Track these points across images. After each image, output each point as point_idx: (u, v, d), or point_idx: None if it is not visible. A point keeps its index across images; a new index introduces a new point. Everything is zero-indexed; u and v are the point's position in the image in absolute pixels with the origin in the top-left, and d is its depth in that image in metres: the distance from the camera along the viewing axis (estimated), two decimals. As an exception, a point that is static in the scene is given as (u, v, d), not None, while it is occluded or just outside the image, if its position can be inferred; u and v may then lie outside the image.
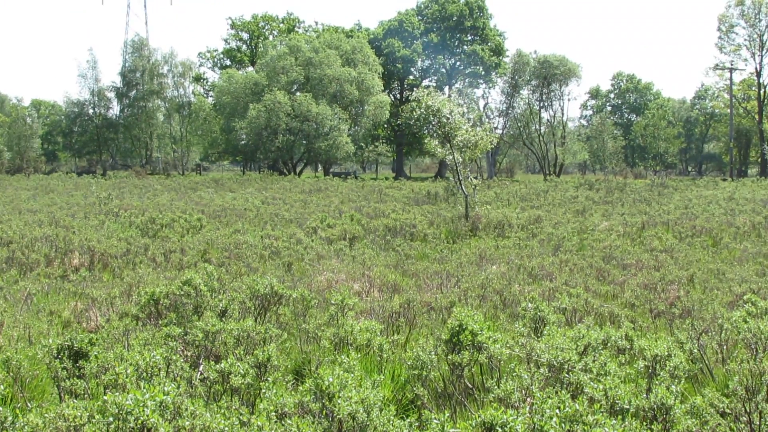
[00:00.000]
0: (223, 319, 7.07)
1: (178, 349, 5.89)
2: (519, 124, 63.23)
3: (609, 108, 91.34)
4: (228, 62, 77.31)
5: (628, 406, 4.63)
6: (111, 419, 3.76)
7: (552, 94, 61.07)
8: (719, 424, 4.81)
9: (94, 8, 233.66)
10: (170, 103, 67.24)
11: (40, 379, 6.06)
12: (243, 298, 7.76)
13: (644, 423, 4.55)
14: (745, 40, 62.30)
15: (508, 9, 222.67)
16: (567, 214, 22.72)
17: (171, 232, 16.86)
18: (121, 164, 65.99)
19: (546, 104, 61.95)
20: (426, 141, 23.19)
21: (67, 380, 5.23)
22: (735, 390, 4.95)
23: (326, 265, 12.10)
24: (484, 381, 5.82)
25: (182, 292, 7.32)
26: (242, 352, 5.83)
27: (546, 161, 60.69)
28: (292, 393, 4.84)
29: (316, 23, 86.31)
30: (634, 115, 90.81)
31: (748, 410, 4.82)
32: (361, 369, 6.02)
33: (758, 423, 4.77)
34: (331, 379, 4.45)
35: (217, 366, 5.22)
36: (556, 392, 4.37)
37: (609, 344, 6.10)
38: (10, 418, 4.18)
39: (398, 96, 73.87)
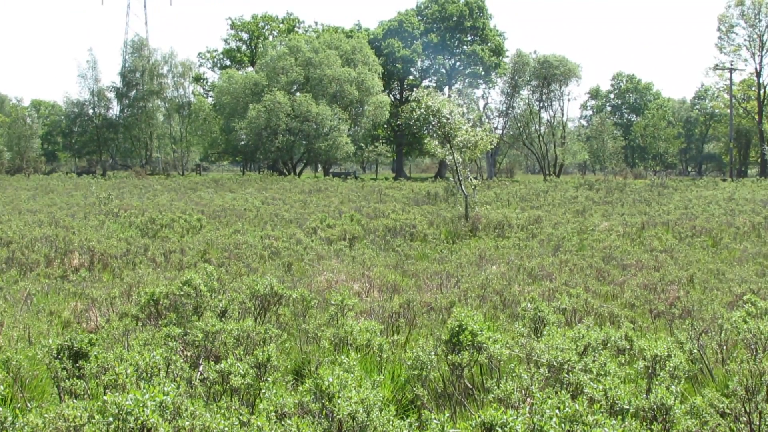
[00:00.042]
0: (223, 319, 7.07)
1: (178, 350, 5.89)
2: (519, 125, 63.23)
3: (609, 108, 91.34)
4: (228, 62, 77.32)
5: (627, 407, 4.64)
6: (111, 419, 3.76)
7: (552, 94, 61.06)
8: (719, 424, 4.81)
9: (94, 8, 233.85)
10: (170, 104, 67.24)
11: (40, 380, 6.06)
12: (243, 299, 7.76)
13: (644, 423, 4.56)
14: (745, 40, 62.34)
15: (508, 9, 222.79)
16: (567, 214, 22.72)
17: (171, 232, 16.86)
18: (121, 164, 66.00)
19: (546, 104, 61.96)
20: (426, 141, 23.19)
21: (67, 380, 5.23)
22: (735, 390, 4.95)
23: (326, 266, 12.10)
24: (484, 381, 5.82)
25: (182, 293, 7.32)
26: (242, 352, 5.83)
27: (546, 161, 60.70)
28: (292, 393, 4.84)
29: (316, 23, 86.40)
30: (634, 116, 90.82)
31: (747, 410, 4.82)
32: (361, 369, 6.02)
33: (758, 423, 4.78)
34: (330, 380, 4.45)
35: (217, 366, 5.22)
36: (556, 392, 4.38)
37: (609, 344, 6.10)
38: (10, 418, 4.18)
39: (398, 96, 73.88)
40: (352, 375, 4.68)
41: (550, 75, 59.40)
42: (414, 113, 22.47)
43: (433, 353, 5.96)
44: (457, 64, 72.95)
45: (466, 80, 72.86)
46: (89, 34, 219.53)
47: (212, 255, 13.28)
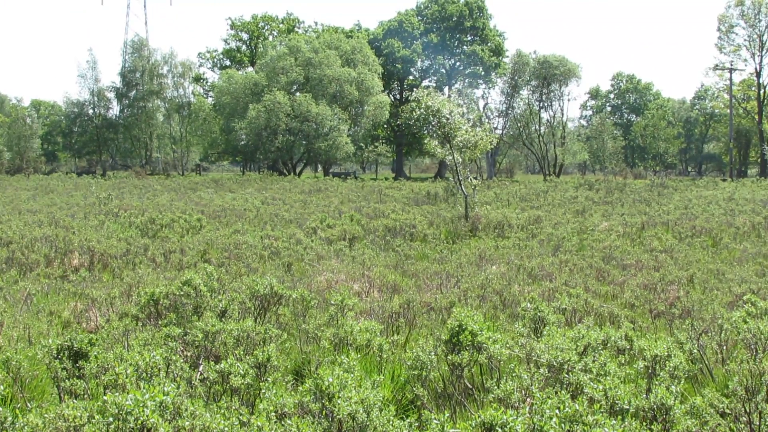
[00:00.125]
0: (223, 319, 7.07)
1: (178, 350, 5.89)
2: (519, 125, 63.22)
3: (609, 108, 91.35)
4: (228, 62, 77.34)
5: (627, 407, 4.64)
6: (111, 419, 3.76)
7: (552, 94, 61.06)
8: (719, 424, 4.81)
9: (94, 8, 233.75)
10: (170, 104, 67.25)
11: (39, 380, 6.06)
12: (243, 299, 7.76)
13: (644, 423, 4.56)
14: (745, 40, 62.35)
15: (507, 9, 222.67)
16: (567, 214, 22.72)
17: (171, 232, 16.86)
18: (120, 164, 66.00)
19: (546, 104, 61.95)
20: (426, 141, 23.19)
21: (66, 380, 5.23)
22: (735, 390, 4.95)
23: (326, 266, 12.10)
24: (484, 381, 5.82)
25: (182, 293, 7.32)
26: (242, 352, 5.83)
27: (546, 161, 60.69)
28: (292, 393, 4.84)
29: (316, 23, 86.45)
30: (634, 116, 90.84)
31: (747, 410, 4.82)
32: (361, 369, 6.02)
33: (758, 423, 4.78)
34: (330, 380, 4.45)
35: (217, 366, 5.22)
36: (556, 392, 4.38)
37: (609, 344, 6.10)
38: (10, 419, 4.18)
39: (398, 96, 73.89)
40: (352, 375, 4.68)
41: (550, 75, 59.39)
42: (414, 113, 22.47)
43: (433, 353, 5.96)
44: (457, 64, 72.97)
45: (466, 80, 72.87)
46: (89, 34, 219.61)
47: (212, 255, 13.28)
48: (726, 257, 14.04)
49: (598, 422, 4.00)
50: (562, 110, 63.37)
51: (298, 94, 55.65)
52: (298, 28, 78.11)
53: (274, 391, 4.60)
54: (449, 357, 5.79)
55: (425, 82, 73.71)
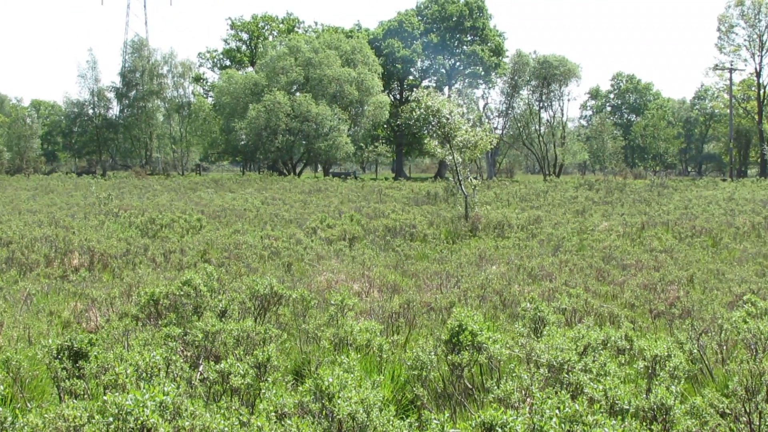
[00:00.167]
0: (223, 319, 7.07)
1: (178, 350, 5.89)
2: (519, 125, 63.22)
3: (609, 108, 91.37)
4: (228, 62, 77.34)
5: (627, 407, 4.64)
6: (111, 419, 3.76)
7: (552, 94, 61.05)
8: (719, 424, 4.81)
9: (94, 8, 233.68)
10: (170, 104, 67.24)
11: (39, 380, 6.06)
12: (243, 299, 7.76)
13: (644, 423, 4.56)
14: (745, 40, 62.35)
15: (507, 9, 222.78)
16: (567, 214, 22.72)
17: (171, 232, 16.86)
18: (120, 164, 65.99)
19: (546, 104, 61.95)
20: (426, 141, 23.19)
21: (66, 380, 5.23)
22: (735, 390, 4.95)
23: (326, 266, 12.10)
24: (484, 381, 5.82)
25: (182, 293, 7.32)
26: (242, 352, 5.83)
27: (546, 161, 60.69)
28: (292, 393, 4.84)
29: (316, 23, 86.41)
30: (634, 116, 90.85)
31: (747, 410, 4.82)
32: (361, 369, 6.02)
33: (758, 423, 4.78)
34: (330, 380, 4.45)
35: (217, 366, 5.22)
36: (556, 392, 4.38)
37: (609, 344, 6.10)
38: (9, 419, 4.18)
39: (398, 96, 73.89)
40: (352, 375, 4.68)
41: (549, 75, 59.39)
42: (414, 113, 22.46)
43: (433, 353, 5.96)
44: (457, 64, 72.97)
45: (466, 80, 72.87)
46: (89, 34, 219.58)
47: (212, 255, 13.28)
48: (726, 257, 14.04)
49: (598, 422, 4.00)
50: (562, 110, 63.41)
51: (298, 94, 55.65)
52: (298, 28, 78.11)
53: (274, 391, 4.60)
54: (449, 357, 5.79)
55: (425, 82, 73.73)
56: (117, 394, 3.94)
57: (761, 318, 6.98)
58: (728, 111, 66.66)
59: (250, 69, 70.27)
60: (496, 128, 63.57)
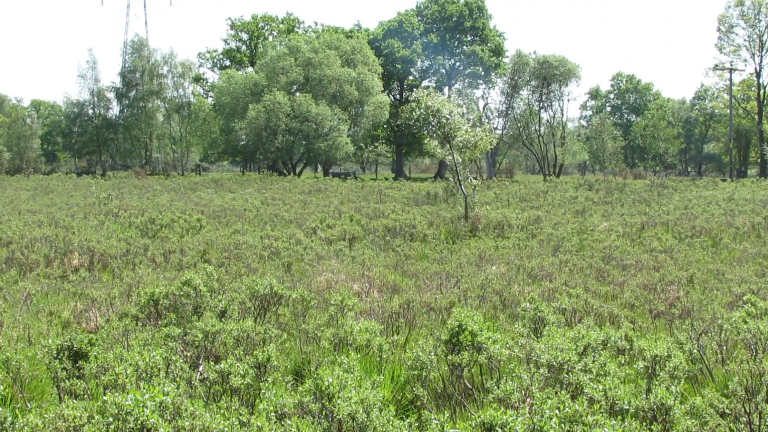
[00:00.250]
0: (223, 319, 7.07)
1: (178, 350, 5.89)
2: (518, 125, 63.24)
3: (608, 108, 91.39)
4: (227, 63, 77.34)
5: (627, 407, 4.64)
6: (111, 419, 3.76)
7: (551, 94, 61.08)
8: (719, 424, 4.81)
9: (94, 8, 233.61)
10: (170, 104, 67.24)
11: (39, 380, 6.05)
12: (243, 299, 7.76)
13: (644, 423, 4.56)
14: (745, 40, 62.37)
15: (507, 9, 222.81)
16: (566, 214, 22.72)
17: (170, 232, 16.86)
18: (120, 165, 65.98)
19: (545, 105, 61.98)
20: (426, 141, 23.19)
21: (66, 380, 5.23)
22: (735, 390, 4.95)
23: (326, 266, 12.10)
24: (484, 381, 5.82)
25: (182, 293, 7.32)
26: (242, 352, 5.83)
27: (545, 162, 60.71)
28: (292, 393, 4.84)
29: (316, 24, 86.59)
30: (634, 116, 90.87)
31: (747, 411, 4.82)
32: (361, 369, 6.02)
33: (758, 423, 4.78)
34: (330, 380, 4.45)
35: (217, 366, 5.22)
36: (556, 393, 4.38)
37: (609, 345, 6.10)
38: (9, 419, 4.18)
39: (398, 96, 73.90)
40: (351, 375, 4.68)
41: (549, 75, 59.40)
42: (414, 113, 22.47)
43: (432, 353, 5.96)
44: (457, 64, 72.97)
45: (466, 80, 72.88)
46: (89, 34, 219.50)
47: (212, 255, 13.27)
48: (726, 257, 14.04)
49: (598, 422, 4.00)
50: (561, 110, 63.47)
51: (298, 94, 55.66)
52: (298, 28, 78.11)
53: (274, 391, 4.60)
54: (449, 357, 5.79)
55: (425, 83, 73.74)
56: (117, 394, 3.94)
57: (761, 318, 6.98)
58: (728, 111, 66.67)
59: (250, 69, 70.27)
60: (496, 128, 63.60)
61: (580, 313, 8.39)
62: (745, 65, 79.41)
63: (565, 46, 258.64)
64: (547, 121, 62.83)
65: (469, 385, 5.81)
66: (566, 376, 5.00)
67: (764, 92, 63.37)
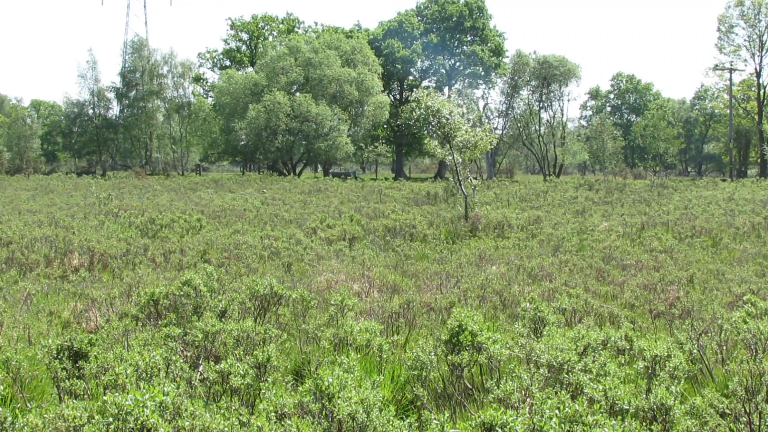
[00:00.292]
0: (223, 319, 7.07)
1: (178, 350, 5.89)
2: (519, 125, 63.25)
3: (609, 108, 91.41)
4: (227, 63, 77.35)
5: (627, 407, 4.64)
6: (111, 420, 3.76)
7: (552, 94, 61.09)
8: (719, 424, 4.81)
9: (93, 8, 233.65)
10: (170, 104, 67.24)
11: (39, 380, 6.05)
12: (243, 299, 7.76)
13: (644, 423, 4.56)
14: (745, 40, 62.38)
15: (507, 9, 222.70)
16: (567, 214, 22.72)
17: (170, 232, 16.86)
18: (120, 165, 65.98)
19: (546, 105, 61.99)
20: (426, 141, 23.19)
21: (66, 381, 5.23)
22: (735, 390, 4.95)
23: (326, 266, 12.10)
24: (484, 381, 5.82)
25: (182, 293, 7.32)
26: (242, 352, 5.83)
27: (546, 162, 60.71)
28: (292, 393, 4.84)
29: (316, 24, 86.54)
30: (634, 116, 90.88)
31: (747, 411, 4.82)
32: (361, 369, 6.02)
33: (758, 423, 4.78)
34: (330, 380, 4.45)
35: (217, 366, 5.22)
36: (556, 393, 4.38)
37: (609, 345, 6.10)
38: (9, 419, 4.18)
39: (398, 96, 73.90)
40: (351, 375, 4.68)
41: (549, 75, 59.41)
42: (414, 113, 22.47)
43: (432, 353, 5.96)
44: (457, 64, 72.97)
45: (466, 80, 72.88)
46: (89, 34, 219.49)
47: (212, 255, 13.27)
48: (726, 257, 14.04)
49: (598, 422, 4.00)
50: (561, 110, 63.50)
51: (298, 94, 55.67)
52: (298, 28, 78.11)
53: (274, 392, 4.60)
54: (449, 357, 5.79)
55: (425, 83, 73.75)
56: (117, 394, 3.94)
57: (761, 318, 6.98)
58: (728, 111, 66.68)
59: (250, 69, 70.28)
60: (496, 128, 63.61)
61: (580, 313, 8.39)
62: (745, 65, 79.54)
63: (565, 46, 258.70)
64: (547, 121, 62.86)
65: (469, 385, 5.81)
66: (566, 376, 5.00)
67: (764, 92, 63.37)
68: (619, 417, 4.52)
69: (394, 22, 70.70)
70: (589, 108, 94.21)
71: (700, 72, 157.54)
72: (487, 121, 59.11)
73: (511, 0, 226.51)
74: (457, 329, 5.89)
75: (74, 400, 4.38)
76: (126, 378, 4.55)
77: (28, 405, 5.31)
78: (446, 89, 72.26)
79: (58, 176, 47.25)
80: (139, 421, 3.75)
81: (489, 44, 71.87)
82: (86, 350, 5.56)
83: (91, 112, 65.43)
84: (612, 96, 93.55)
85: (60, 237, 14.32)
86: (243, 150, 61.48)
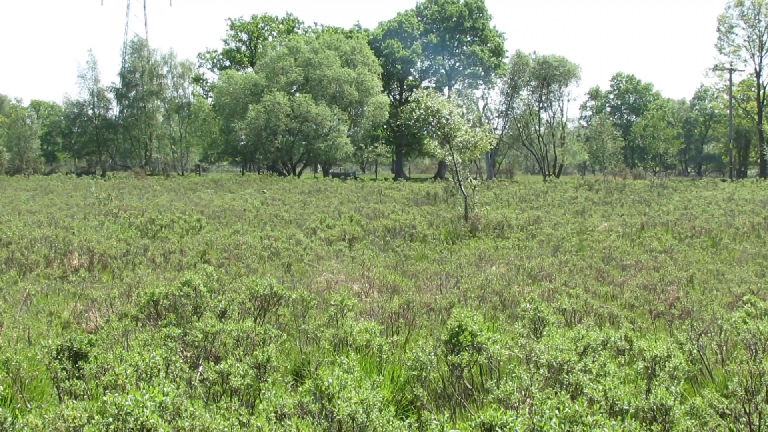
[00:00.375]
0: (223, 319, 7.07)
1: (178, 350, 5.89)
2: (518, 125, 63.27)
3: (608, 109, 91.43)
4: (227, 63, 77.36)
5: (627, 407, 4.64)
6: (110, 420, 3.76)
7: (551, 94, 61.11)
8: (719, 424, 4.81)
9: (94, 8, 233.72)
10: (170, 104, 67.24)
11: (39, 380, 6.05)
12: (242, 299, 7.76)
13: (644, 424, 4.56)
14: (745, 40, 62.40)
15: (507, 10, 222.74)
16: (566, 214, 22.72)
17: (170, 232, 16.86)
18: (120, 165, 65.98)
19: (545, 105, 62.02)
20: (425, 142, 23.19)
21: (66, 381, 5.23)
22: (734, 391, 4.96)
23: (326, 266, 12.10)
24: (484, 382, 5.82)
25: (182, 293, 7.32)
26: (242, 352, 5.83)
27: (545, 162, 60.72)
28: (292, 394, 4.84)
29: (316, 24, 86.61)
30: (634, 116, 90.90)
31: (747, 411, 4.82)
32: (361, 370, 6.02)
33: (758, 424, 4.78)
34: (330, 380, 4.45)
35: (217, 367, 5.22)
36: (556, 393, 4.38)
37: (608, 345, 6.10)
38: (9, 419, 4.18)
39: (398, 97, 73.90)
40: (351, 375, 4.68)
41: (549, 75, 59.43)
42: (413, 114, 22.47)
43: (432, 354, 5.96)
44: (457, 64, 72.98)
45: (466, 81, 72.88)
46: (89, 34, 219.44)
47: (212, 255, 13.27)
48: (726, 258, 14.04)
49: (598, 423, 4.00)
50: (561, 111, 63.55)
51: (297, 94, 55.67)
52: (298, 28, 78.12)
53: (274, 392, 4.60)
54: (449, 357, 5.79)
55: (425, 83, 73.75)
56: (117, 394, 3.94)
57: (761, 318, 6.98)
58: (728, 111, 66.70)
59: (249, 69, 70.30)
60: (495, 129, 63.62)
61: (580, 314, 8.39)
62: (745, 65, 79.63)
63: (565, 46, 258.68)
64: (547, 121, 62.88)
65: (469, 386, 5.81)
66: (566, 376, 5.00)
67: (764, 92, 63.39)
68: (619, 417, 4.52)
69: (394, 23, 70.70)
70: (588, 108, 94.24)
71: (699, 72, 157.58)
72: (486, 121, 59.15)
73: (511, 0, 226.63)
74: (456, 329, 5.89)
75: (74, 401, 4.38)
76: (126, 378, 4.55)
77: (28, 405, 5.31)
78: (446, 89, 72.30)
79: (58, 176, 47.24)
80: (139, 422, 3.75)
81: (489, 44, 71.88)
82: (86, 351, 5.56)
83: (90, 112, 65.41)
84: (612, 96, 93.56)
85: (60, 237, 14.32)
86: (243, 150, 61.48)
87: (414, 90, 27.39)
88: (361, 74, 56.81)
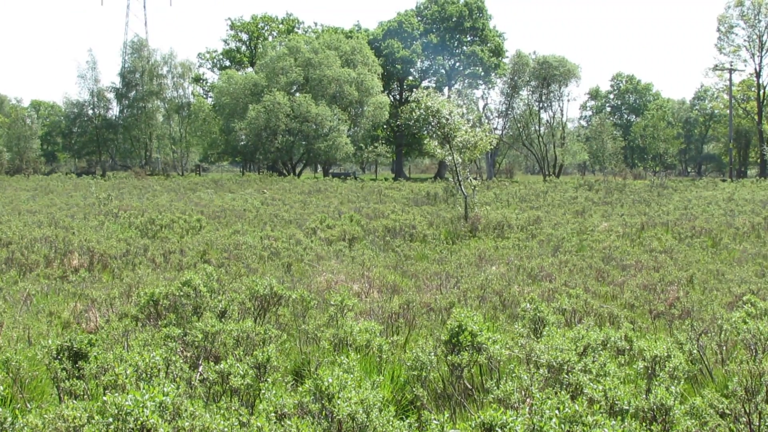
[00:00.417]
0: (223, 319, 7.07)
1: (178, 350, 5.89)
2: (518, 125, 63.26)
3: (608, 109, 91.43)
4: (227, 63, 77.35)
5: (627, 407, 4.64)
6: (110, 420, 3.76)
7: (551, 94, 61.11)
8: (719, 424, 4.81)
9: (94, 8, 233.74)
10: (170, 104, 67.23)
11: (39, 380, 6.05)
12: (242, 299, 7.76)
13: (644, 424, 4.56)
14: (745, 40, 62.40)
15: (507, 10, 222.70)
16: (566, 214, 22.72)
17: (170, 232, 16.86)
18: (120, 165, 65.98)
19: (545, 105, 62.01)
20: (425, 142, 23.19)
21: (66, 381, 5.23)
22: (734, 391, 4.95)
23: (325, 266, 12.10)
24: (484, 382, 5.82)
25: (182, 293, 7.32)
26: (242, 352, 5.83)
27: (545, 162, 60.72)
28: (292, 394, 4.84)
29: (316, 24, 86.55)
30: (634, 116, 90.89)
31: (747, 411, 4.82)
32: (361, 370, 6.02)
33: (758, 424, 4.78)
34: (330, 380, 4.45)
35: (217, 367, 5.22)
36: (556, 393, 4.38)
37: (608, 345, 6.10)
38: (9, 419, 4.18)
39: (398, 97, 73.90)
40: (351, 375, 4.68)
41: (549, 75, 59.42)
42: (414, 114, 22.47)
43: (432, 354, 5.96)
44: (457, 64, 72.97)
45: (466, 81, 72.87)
46: (89, 34, 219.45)
47: (212, 255, 13.27)
48: (726, 258, 14.04)
49: (598, 423, 4.00)
50: (561, 111, 63.55)
51: (297, 94, 55.67)
52: (298, 28, 78.11)
53: (274, 392, 4.60)
54: (449, 357, 5.79)
55: (425, 83, 73.75)
56: (117, 394, 3.94)
57: (761, 318, 6.98)
58: (728, 111, 66.69)
59: (249, 69, 70.29)
60: (495, 129, 63.60)
61: (580, 314, 8.39)
62: (745, 65, 79.50)
63: (565, 46, 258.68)
64: (547, 121, 62.88)
65: (469, 386, 5.81)
66: (566, 376, 5.00)
67: (764, 92, 63.39)
68: (619, 417, 4.52)
69: (394, 23, 70.70)
70: (588, 108, 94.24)
71: (699, 72, 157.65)
72: (486, 121, 59.17)
73: (511, 0, 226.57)
74: (456, 329, 5.89)
75: (74, 401, 4.38)
76: (126, 378, 4.55)
77: (28, 405, 5.31)
78: (446, 89, 72.29)
79: (58, 176, 47.24)
80: (139, 422, 3.75)
81: (489, 44, 71.87)
82: (86, 351, 5.56)
83: (90, 112, 65.39)
84: (612, 96, 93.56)
85: (60, 237, 14.32)
86: (243, 150, 61.48)
87: (414, 90, 27.41)
88: (361, 74, 56.81)
